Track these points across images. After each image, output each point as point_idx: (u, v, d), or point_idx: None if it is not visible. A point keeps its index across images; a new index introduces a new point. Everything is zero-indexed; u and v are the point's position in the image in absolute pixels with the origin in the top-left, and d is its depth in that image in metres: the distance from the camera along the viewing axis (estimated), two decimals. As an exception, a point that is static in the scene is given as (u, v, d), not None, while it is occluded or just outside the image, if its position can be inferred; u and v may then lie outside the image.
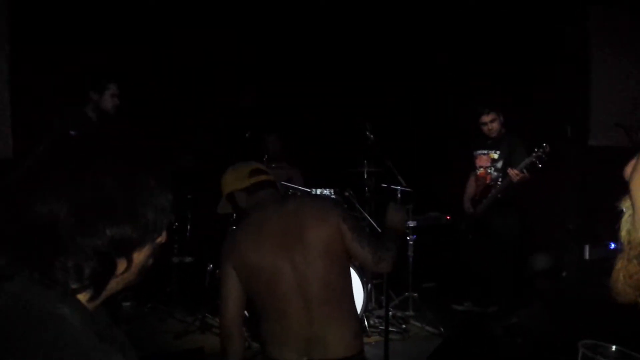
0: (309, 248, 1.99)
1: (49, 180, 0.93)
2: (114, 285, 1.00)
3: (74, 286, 0.92)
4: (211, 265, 4.72)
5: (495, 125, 4.85)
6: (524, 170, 4.50)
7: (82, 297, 0.94)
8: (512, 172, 4.52)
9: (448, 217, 5.24)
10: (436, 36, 6.03)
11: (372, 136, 4.41)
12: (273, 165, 4.98)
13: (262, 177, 2.17)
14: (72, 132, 3.50)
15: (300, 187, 4.42)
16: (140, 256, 1.01)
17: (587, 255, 6.26)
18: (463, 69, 5.92)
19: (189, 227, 4.91)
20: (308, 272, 1.98)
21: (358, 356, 2.02)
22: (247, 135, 5.24)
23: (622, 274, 0.80)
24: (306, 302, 1.98)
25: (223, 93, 5.75)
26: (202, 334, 4.41)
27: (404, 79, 6.05)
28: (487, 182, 4.90)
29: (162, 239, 1.08)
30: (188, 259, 4.95)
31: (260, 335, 2.13)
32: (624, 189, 0.81)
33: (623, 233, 0.86)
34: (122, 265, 0.98)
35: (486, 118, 4.85)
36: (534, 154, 4.47)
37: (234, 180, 2.20)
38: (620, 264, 0.84)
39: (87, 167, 0.96)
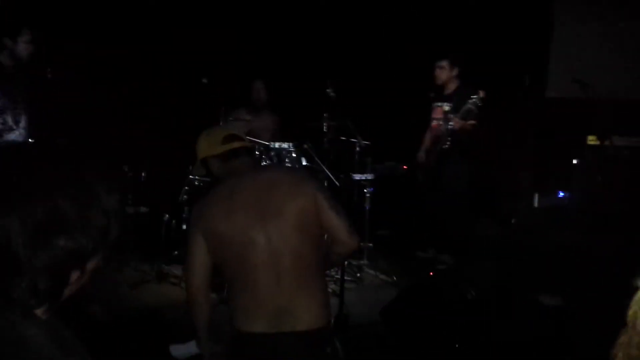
0: (283, 219, 1.95)
1: None
2: (67, 292, 0.97)
3: (31, 302, 0.89)
4: (167, 216, 4.67)
5: (443, 74, 4.93)
6: (466, 119, 4.58)
7: (39, 310, 0.92)
8: (454, 119, 4.64)
9: (405, 167, 5.30)
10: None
11: (333, 94, 4.36)
12: (257, 113, 4.95)
13: (236, 144, 2.12)
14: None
15: (258, 141, 4.36)
16: (93, 263, 0.98)
17: (536, 204, 6.50)
18: (425, 21, 5.86)
19: (143, 175, 4.81)
20: (281, 244, 1.95)
21: (326, 328, 2.03)
22: (203, 80, 5.09)
23: (622, 353, 0.82)
24: (277, 274, 1.95)
25: (180, 38, 5.54)
26: (159, 284, 4.42)
27: (366, 32, 5.97)
28: (439, 133, 4.98)
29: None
30: (143, 209, 4.89)
31: (228, 306, 2.11)
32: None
33: (630, 312, 0.87)
34: (75, 274, 0.95)
35: (437, 64, 4.91)
36: (470, 101, 4.56)
37: (208, 146, 2.15)
38: (623, 339, 0.85)
39: (33, 178, 0.91)
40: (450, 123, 4.69)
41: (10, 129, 3.65)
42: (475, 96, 4.52)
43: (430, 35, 5.71)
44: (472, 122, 4.66)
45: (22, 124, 3.73)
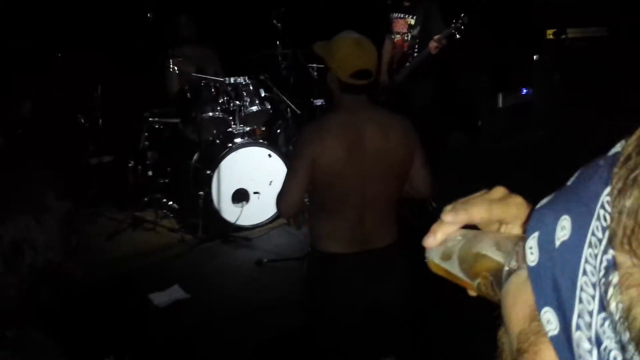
0: (384, 163, 2.12)
1: None
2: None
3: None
4: (132, 162, 4.61)
5: None
6: (443, 41, 4.43)
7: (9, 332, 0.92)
8: (432, 45, 4.43)
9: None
10: None
11: (279, 25, 4.19)
12: (188, 48, 4.72)
13: (361, 82, 2.11)
14: None
15: (212, 78, 4.24)
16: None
17: (500, 104, 6.54)
18: None
19: (100, 123, 4.70)
20: (379, 186, 2.13)
21: (396, 244, 2.26)
22: (148, 16, 4.86)
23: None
24: (367, 209, 2.14)
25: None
26: (134, 232, 4.43)
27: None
28: (405, 49, 4.82)
29: None
30: (107, 159, 4.81)
31: (313, 230, 2.26)
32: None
33: None
34: (45, 289, 0.95)
35: None
36: (453, 25, 4.36)
37: (339, 65, 2.10)
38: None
39: None
40: (428, 47, 4.42)
41: None
42: (458, 20, 4.29)
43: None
44: (446, 42, 4.41)
45: None
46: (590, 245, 0.35)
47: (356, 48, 2.11)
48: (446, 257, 0.54)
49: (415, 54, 4.68)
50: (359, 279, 2.20)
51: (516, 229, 0.53)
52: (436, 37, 4.39)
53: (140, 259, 4.02)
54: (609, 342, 0.33)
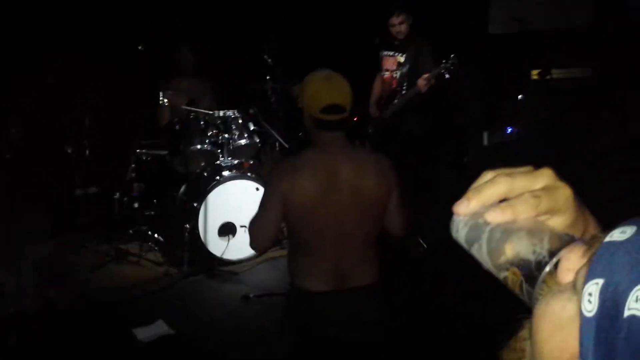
0: (361, 201, 2.09)
1: None
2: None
3: None
4: (118, 194, 4.57)
5: (404, 28, 4.76)
6: (432, 80, 4.49)
7: None
8: (421, 83, 4.50)
9: (355, 119, 5.27)
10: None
11: (270, 60, 4.23)
12: (184, 80, 4.74)
13: (334, 117, 2.09)
14: None
15: (201, 110, 4.25)
16: None
17: (485, 142, 6.62)
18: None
19: (87, 154, 4.66)
20: (354, 222, 2.10)
21: (376, 284, 2.23)
22: (139, 47, 4.89)
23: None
24: (343, 246, 2.12)
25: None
26: (118, 264, 4.37)
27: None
28: (394, 86, 4.89)
29: None
30: (93, 190, 4.76)
31: (289, 266, 2.24)
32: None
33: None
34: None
35: (396, 20, 4.74)
36: (442, 65, 4.44)
37: (310, 102, 2.11)
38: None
39: None
40: (417, 84, 4.50)
41: None
42: (448, 61, 4.36)
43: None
44: (434, 81, 4.49)
45: None
46: None
47: (325, 83, 2.12)
48: (473, 239, 0.50)
49: (404, 91, 4.75)
50: (338, 317, 2.17)
51: (559, 222, 0.49)
52: (425, 75, 4.46)
53: (124, 292, 3.93)
54: None
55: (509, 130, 6.77)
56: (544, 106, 5.71)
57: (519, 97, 6.25)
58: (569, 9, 5.84)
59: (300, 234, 2.16)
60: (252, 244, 2.20)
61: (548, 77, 5.57)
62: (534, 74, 5.80)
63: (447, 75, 4.40)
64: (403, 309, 2.86)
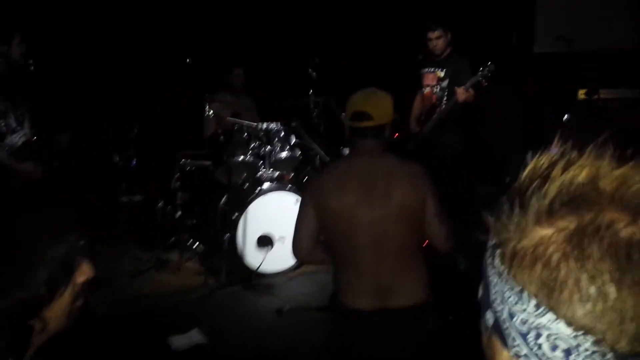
0: (391, 207, 2.05)
1: None
2: (39, 340, 0.97)
3: None
4: (161, 202, 4.67)
5: (440, 43, 4.76)
6: (470, 89, 4.49)
7: None
8: (459, 91, 4.51)
9: (396, 135, 5.26)
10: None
11: (314, 73, 4.30)
12: (230, 94, 4.89)
13: (363, 124, 2.12)
14: None
15: (245, 122, 4.33)
16: (57, 307, 0.97)
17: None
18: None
19: (134, 163, 4.79)
20: (386, 229, 2.05)
21: (425, 303, 2.15)
22: (188, 61, 5.02)
23: None
24: (381, 255, 2.07)
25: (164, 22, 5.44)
26: (158, 272, 4.44)
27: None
28: (433, 101, 4.89)
29: (83, 277, 1.02)
30: (137, 197, 4.88)
31: (333, 282, 2.21)
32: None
33: None
34: (38, 324, 0.94)
35: (432, 35, 4.76)
36: (480, 73, 4.45)
37: (346, 110, 2.19)
38: None
39: None
40: (455, 94, 4.53)
41: (14, 131, 3.66)
42: (485, 68, 4.39)
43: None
44: (473, 92, 4.52)
45: (26, 124, 3.75)
46: None
47: (360, 93, 2.18)
48: None
49: (444, 105, 4.74)
50: (377, 341, 2.11)
51: None
52: (463, 86, 4.46)
53: (162, 300, 4.00)
54: None
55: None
56: (591, 127, 5.58)
57: (565, 117, 6.13)
58: (617, 28, 5.73)
59: (335, 245, 2.15)
60: (294, 253, 2.22)
61: (595, 97, 5.44)
62: (581, 93, 5.69)
63: (485, 83, 4.40)
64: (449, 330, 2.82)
